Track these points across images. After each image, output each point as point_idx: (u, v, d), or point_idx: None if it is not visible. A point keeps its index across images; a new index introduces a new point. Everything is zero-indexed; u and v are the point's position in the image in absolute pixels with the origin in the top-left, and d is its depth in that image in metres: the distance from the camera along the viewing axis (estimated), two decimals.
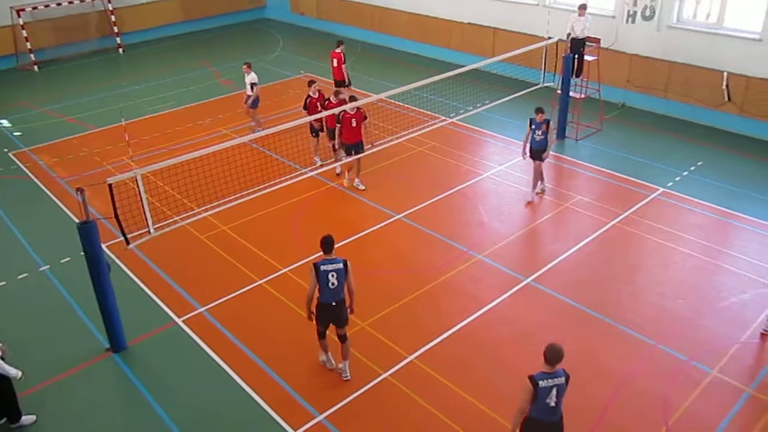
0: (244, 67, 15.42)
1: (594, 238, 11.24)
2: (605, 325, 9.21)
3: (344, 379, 8.34)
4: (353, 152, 12.60)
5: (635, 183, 12.99)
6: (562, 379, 6.06)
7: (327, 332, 8.28)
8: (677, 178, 13.12)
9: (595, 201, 12.43)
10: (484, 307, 9.62)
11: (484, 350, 8.83)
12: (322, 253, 7.84)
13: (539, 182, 12.62)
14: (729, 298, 9.66)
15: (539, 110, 11.98)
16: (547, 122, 12.08)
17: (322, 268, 7.71)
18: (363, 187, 12.97)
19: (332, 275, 7.71)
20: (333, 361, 8.44)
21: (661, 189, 12.72)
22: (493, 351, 8.81)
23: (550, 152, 12.72)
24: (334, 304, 7.90)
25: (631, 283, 10.15)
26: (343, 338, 8.23)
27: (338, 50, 16.32)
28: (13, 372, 7.41)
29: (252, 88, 15.26)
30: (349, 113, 12.37)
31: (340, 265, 7.76)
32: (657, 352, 8.67)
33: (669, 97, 16.11)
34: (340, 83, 16.52)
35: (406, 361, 8.63)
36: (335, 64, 16.46)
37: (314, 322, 8.12)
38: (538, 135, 12.12)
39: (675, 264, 10.54)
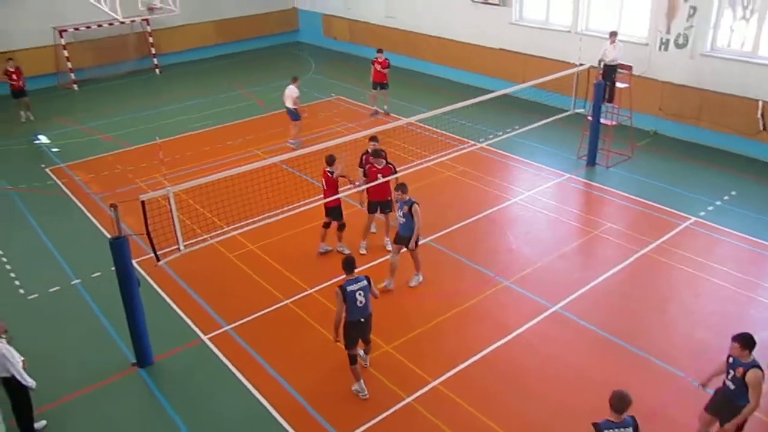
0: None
1: (624, 267, 11.08)
2: (634, 355, 9.04)
3: (363, 366, 8.65)
4: (379, 210, 11.57)
5: (666, 212, 12.81)
6: (630, 429, 5.82)
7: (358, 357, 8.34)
8: (710, 208, 12.91)
9: (625, 229, 12.27)
10: (510, 333, 9.52)
11: (510, 377, 8.72)
12: (344, 274, 8.05)
13: (415, 274, 10.75)
14: (762, 332, 9.38)
15: (398, 188, 10.16)
16: (410, 204, 10.04)
17: (349, 288, 7.90)
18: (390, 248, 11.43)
19: (359, 294, 7.93)
20: (367, 391, 8.36)
21: (693, 218, 12.51)
22: (519, 378, 8.69)
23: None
24: (362, 320, 8.10)
25: (662, 313, 9.97)
26: (366, 341, 8.56)
27: (380, 57, 18.23)
28: (31, 381, 7.58)
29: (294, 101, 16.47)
30: (376, 167, 11.20)
31: (365, 282, 8.02)
32: (688, 385, 8.46)
33: (702, 125, 15.92)
34: (378, 85, 18.37)
35: (430, 386, 8.55)
36: (378, 68, 18.17)
37: (344, 346, 8.19)
38: (399, 216, 10.27)
39: (707, 295, 10.34)
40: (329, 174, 11.05)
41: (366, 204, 11.58)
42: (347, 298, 7.87)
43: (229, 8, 26.29)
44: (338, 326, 8.04)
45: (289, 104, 16.42)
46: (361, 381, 8.38)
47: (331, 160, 11.07)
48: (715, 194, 13.46)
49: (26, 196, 14.53)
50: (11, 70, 18.65)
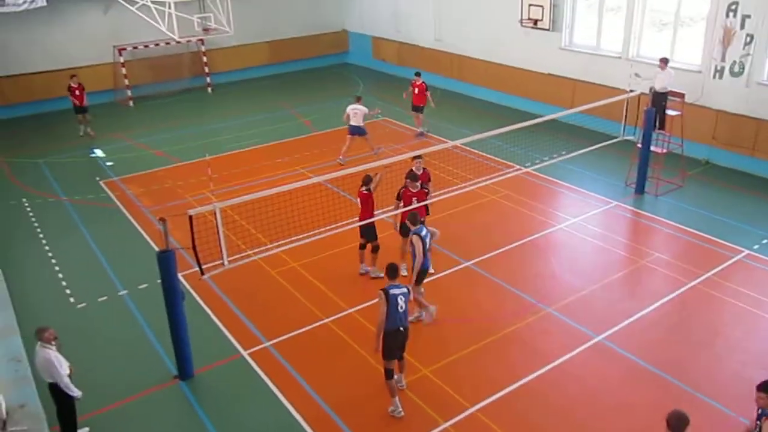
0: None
1: (671, 299, 10.77)
2: (681, 390, 8.74)
3: (400, 387, 8.64)
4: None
5: (718, 243, 12.42)
6: None
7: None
8: (764, 241, 12.46)
9: (673, 260, 11.95)
10: (552, 362, 9.33)
11: (550, 407, 8.53)
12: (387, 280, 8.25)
13: (417, 311, 10.22)
14: None
15: (408, 217, 10.04)
16: (412, 234, 9.75)
17: (392, 292, 8.04)
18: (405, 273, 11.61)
19: (401, 298, 8.09)
20: (401, 409, 8.36)
21: (746, 251, 12.10)
22: (559, 409, 8.50)
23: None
24: (402, 329, 8.18)
25: (711, 348, 9.63)
26: (401, 357, 8.60)
27: (418, 80, 18.63)
28: (76, 392, 7.74)
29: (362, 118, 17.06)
30: (410, 191, 11.24)
31: (405, 290, 8.22)
32: (736, 424, 8.13)
33: (757, 155, 15.46)
34: (416, 108, 18.67)
35: (467, 413, 8.43)
36: (416, 92, 18.54)
37: (382, 357, 8.25)
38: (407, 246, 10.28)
39: (759, 332, 9.95)
40: (365, 192, 11.09)
41: (399, 226, 11.48)
42: (389, 300, 7.98)
43: (282, 30, 26.86)
44: (381, 330, 8.08)
45: (359, 121, 16.86)
46: (396, 398, 8.38)
47: (367, 180, 11.15)
48: None
49: (80, 207, 15.02)
50: (74, 86, 19.39)
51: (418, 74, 18.81)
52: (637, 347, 9.60)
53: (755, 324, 10.11)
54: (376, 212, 11.34)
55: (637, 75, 14.66)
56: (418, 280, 10.03)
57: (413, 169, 11.62)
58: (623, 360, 9.38)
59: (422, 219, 11.25)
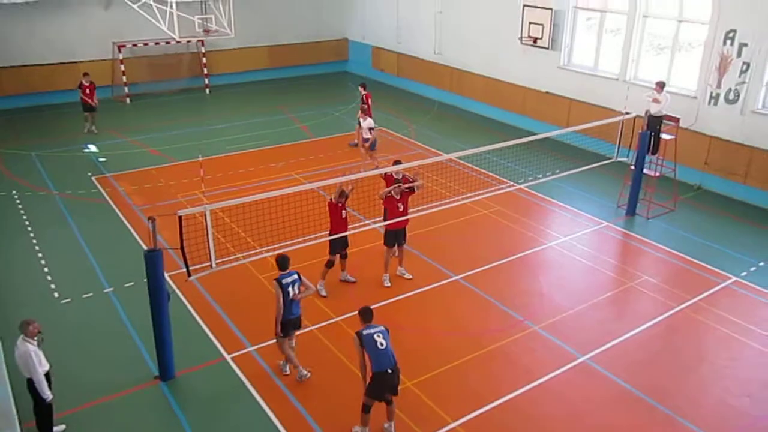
0: (359, 114, 17.11)
1: (658, 322, 10.77)
2: (663, 415, 8.73)
3: None
4: (398, 242, 11.60)
5: (706, 269, 12.46)
6: None
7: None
8: (752, 269, 12.51)
9: (661, 283, 11.97)
10: (535, 380, 9.29)
11: (532, 425, 8.50)
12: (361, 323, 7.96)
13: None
14: None
15: (279, 261, 9.08)
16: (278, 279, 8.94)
17: (365, 333, 7.77)
18: (410, 276, 11.90)
19: (378, 335, 7.76)
20: None
21: (734, 278, 12.14)
22: (541, 427, 8.46)
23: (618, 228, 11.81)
24: (390, 371, 7.74)
25: (695, 373, 9.63)
26: (389, 401, 8.04)
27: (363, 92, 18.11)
28: (48, 394, 7.63)
29: (370, 131, 16.49)
30: (395, 197, 11.16)
31: (382, 328, 7.88)
32: None
33: (749, 183, 15.55)
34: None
35: (449, 427, 8.38)
36: (370, 102, 18.06)
37: (365, 393, 7.89)
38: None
39: (744, 359, 9.96)
40: (330, 202, 10.95)
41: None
42: (366, 343, 7.67)
43: (283, 35, 26.91)
44: (365, 371, 7.82)
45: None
46: (367, 428, 8.04)
47: (339, 192, 11.00)
48: (759, 255, 13.04)
49: (70, 202, 14.92)
50: (86, 84, 19.24)
51: (363, 85, 18.35)
52: (622, 369, 9.59)
53: (741, 351, 10.12)
54: (367, 222, 11.27)
55: (646, 112, 14.77)
56: (283, 331, 9.01)
57: (393, 174, 11.55)
58: (607, 381, 9.36)
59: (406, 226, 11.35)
